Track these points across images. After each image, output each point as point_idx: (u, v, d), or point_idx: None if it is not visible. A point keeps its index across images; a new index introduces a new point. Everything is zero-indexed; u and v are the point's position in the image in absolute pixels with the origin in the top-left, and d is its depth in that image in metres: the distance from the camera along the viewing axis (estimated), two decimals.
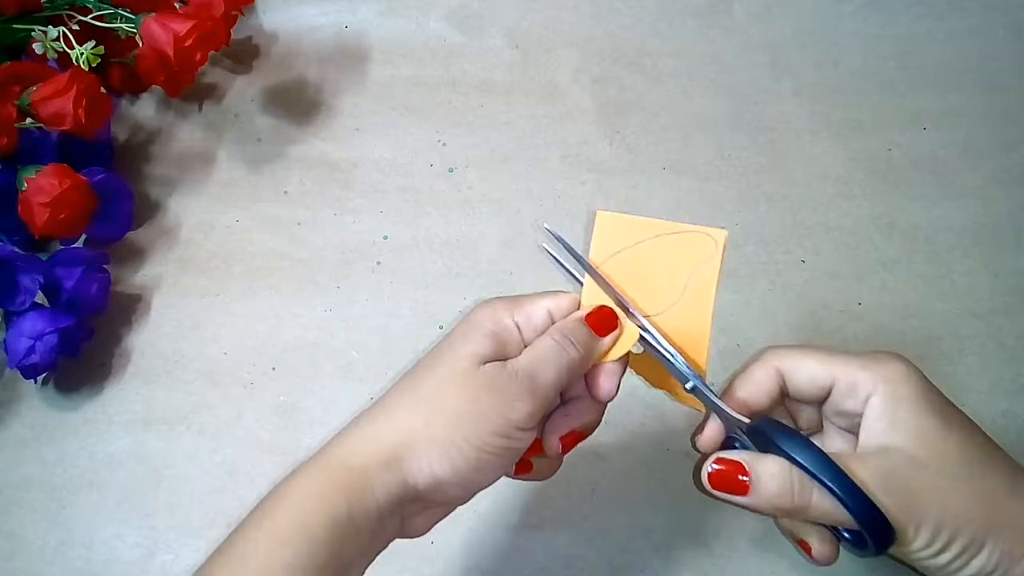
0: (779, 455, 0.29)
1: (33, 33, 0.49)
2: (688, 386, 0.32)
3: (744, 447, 0.32)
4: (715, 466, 0.30)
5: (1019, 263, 0.53)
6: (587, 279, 0.33)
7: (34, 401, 0.48)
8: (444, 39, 0.61)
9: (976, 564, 0.29)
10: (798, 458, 0.29)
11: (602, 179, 0.56)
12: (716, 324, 0.34)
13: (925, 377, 0.31)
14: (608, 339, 0.32)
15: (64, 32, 0.49)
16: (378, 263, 0.52)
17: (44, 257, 0.47)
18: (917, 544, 0.29)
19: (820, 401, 0.33)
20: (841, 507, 0.28)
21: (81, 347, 0.48)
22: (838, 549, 0.32)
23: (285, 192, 0.55)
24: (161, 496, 0.45)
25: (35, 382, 0.48)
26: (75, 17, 0.50)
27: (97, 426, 0.47)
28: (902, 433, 0.30)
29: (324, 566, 0.27)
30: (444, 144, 0.57)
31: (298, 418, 0.47)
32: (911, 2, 0.63)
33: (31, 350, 0.44)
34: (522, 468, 0.33)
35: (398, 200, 0.54)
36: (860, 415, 0.31)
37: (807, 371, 0.32)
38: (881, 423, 0.30)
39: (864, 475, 0.29)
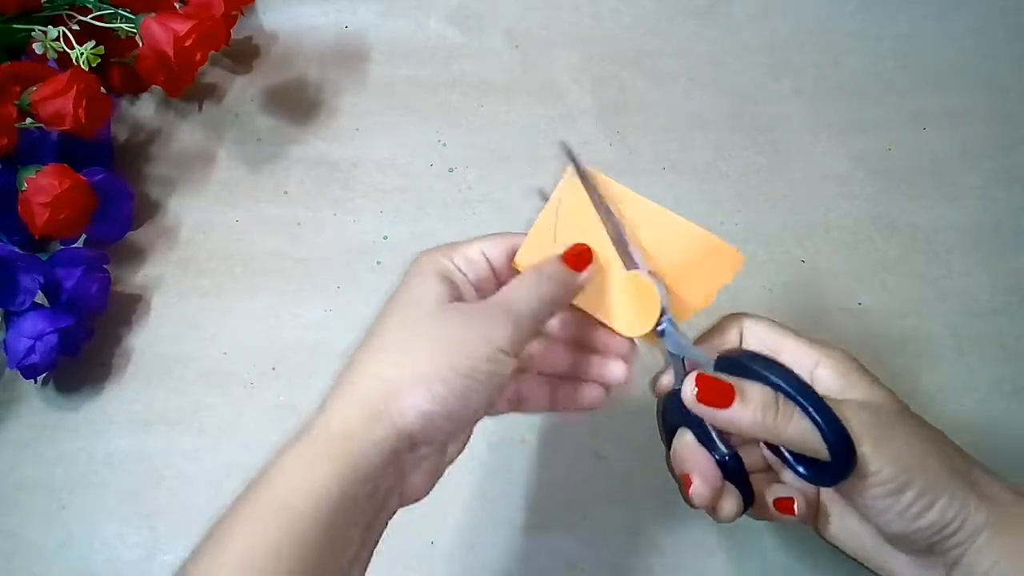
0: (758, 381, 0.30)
1: (33, 33, 0.49)
2: (658, 328, 0.33)
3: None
4: (699, 387, 0.30)
5: (1019, 263, 0.53)
6: (566, 177, 0.34)
7: (34, 401, 0.48)
8: (444, 39, 0.61)
9: (935, 510, 0.29)
10: (779, 381, 0.29)
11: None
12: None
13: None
14: (585, 273, 0.32)
15: (64, 32, 0.49)
16: (378, 263, 0.52)
17: (44, 257, 0.46)
18: (881, 477, 0.29)
19: None
20: (815, 431, 0.29)
21: (81, 347, 0.47)
22: (739, 507, 0.32)
23: (285, 192, 0.55)
24: (161, 496, 0.45)
25: (35, 382, 0.47)
26: (75, 17, 0.50)
27: (97, 426, 0.47)
28: (856, 392, 0.31)
29: (316, 545, 0.25)
30: (444, 144, 0.57)
31: (298, 418, 0.46)
32: (911, 2, 0.63)
33: (31, 350, 0.44)
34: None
35: (398, 200, 0.54)
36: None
37: (759, 334, 0.33)
38: (837, 384, 0.31)
39: (839, 409, 0.29)
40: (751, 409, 0.29)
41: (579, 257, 0.33)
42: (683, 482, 0.32)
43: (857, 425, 0.29)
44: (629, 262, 0.33)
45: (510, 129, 0.57)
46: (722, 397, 0.29)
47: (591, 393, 0.35)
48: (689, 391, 0.30)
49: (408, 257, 0.53)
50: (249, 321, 0.50)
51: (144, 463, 0.46)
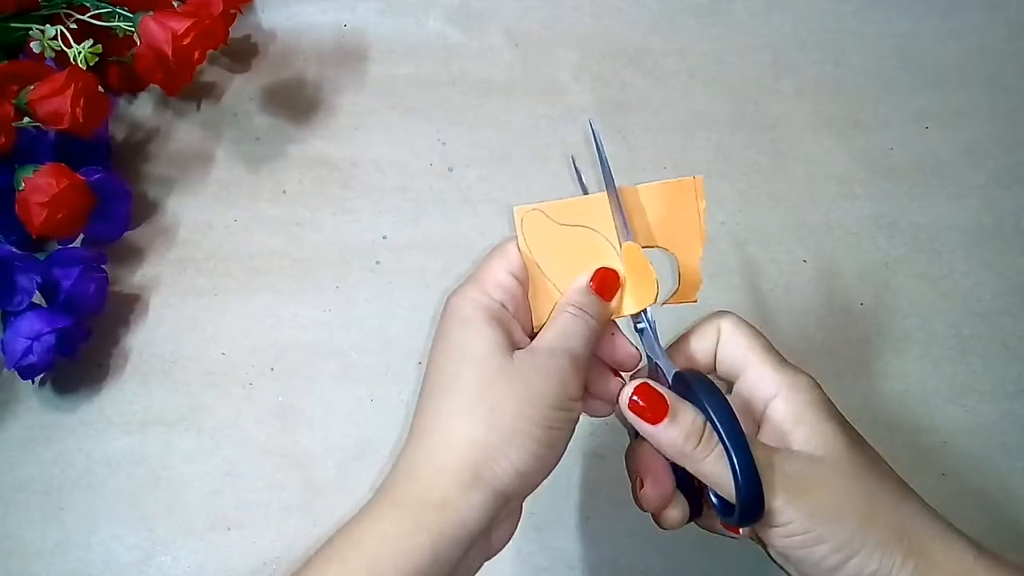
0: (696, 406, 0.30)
1: (31, 32, 0.48)
2: (639, 326, 0.33)
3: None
4: (636, 396, 0.30)
5: (1022, 263, 0.53)
6: (518, 222, 0.33)
7: (32, 402, 0.47)
8: (444, 38, 0.61)
9: (854, 564, 0.28)
10: (713, 413, 0.29)
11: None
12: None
13: (825, 393, 0.32)
14: (615, 301, 0.32)
15: (62, 31, 0.48)
16: (377, 263, 0.52)
17: (42, 257, 0.46)
18: (791, 528, 0.28)
19: (729, 382, 0.33)
20: (727, 475, 0.29)
21: (79, 347, 0.47)
22: (684, 516, 0.32)
23: (284, 191, 0.55)
24: (159, 497, 0.45)
25: (32, 383, 0.47)
26: (73, 16, 0.50)
27: (95, 427, 0.47)
28: (803, 433, 0.30)
29: None
30: (444, 143, 0.56)
31: (297, 419, 0.47)
32: (913, 1, 0.62)
33: (28, 350, 0.44)
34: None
35: (397, 199, 0.54)
36: (757, 411, 0.32)
37: (731, 346, 0.33)
38: (786, 422, 0.31)
39: (764, 458, 0.29)
40: (675, 432, 0.29)
41: (605, 284, 0.32)
42: (636, 482, 0.32)
43: (778, 476, 0.29)
44: (624, 235, 0.33)
45: (510, 128, 0.57)
46: (655, 412, 0.30)
47: (596, 408, 0.34)
48: (625, 396, 0.30)
49: (407, 257, 0.53)
50: (247, 321, 0.50)
51: (142, 464, 0.46)
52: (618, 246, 0.33)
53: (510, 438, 0.28)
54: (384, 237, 0.53)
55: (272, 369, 0.48)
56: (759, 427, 0.32)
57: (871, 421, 0.47)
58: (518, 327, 0.32)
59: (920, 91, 0.59)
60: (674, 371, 0.32)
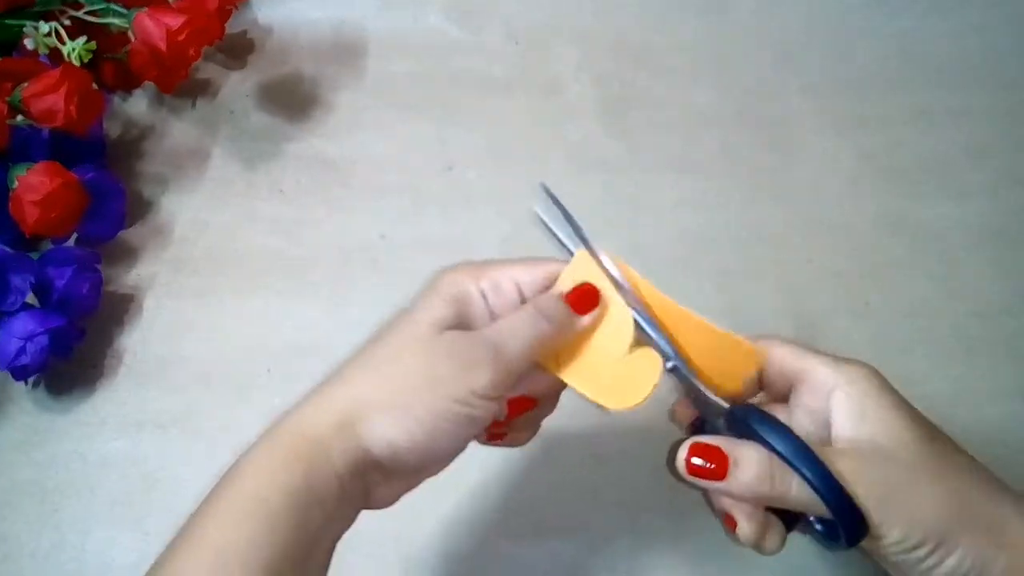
0: (757, 442, 0.29)
1: (25, 28, 0.48)
2: (669, 365, 0.31)
3: (715, 431, 0.31)
4: (696, 459, 0.29)
5: None
6: (577, 255, 0.32)
7: (25, 403, 0.47)
8: (443, 34, 0.60)
9: (950, 563, 0.28)
10: (776, 445, 0.28)
11: (605, 177, 0.55)
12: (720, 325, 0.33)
13: (885, 378, 0.31)
14: (587, 318, 0.30)
15: (56, 27, 0.48)
16: (375, 262, 0.52)
17: (35, 256, 0.46)
18: (891, 539, 0.28)
19: (786, 393, 0.33)
20: (817, 497, 0.28)
21: (72, 348, 0.47)
22: (783, 538, 0.31)
23: (280, 190, 0.54)
24: (155, 500, 0.44)
25: (26, 384, 0.47)
26: (67, 12, 0.49)
27: (89, 428, 0.46)
28: (870, 425, 0.29)
29: (286, 540, 0.26)
30: (443, 141, 0.56)
31: None
32: None
33: (22, 351, 0.44)
34: (493, 435, 0.32)
35: (396, 198, 0.54)
36: (824, 412, 0.31)
37: (779, 361, 0.32)
38: (849, 418, 0.30)
39: (840, 466, 0.28)
40: (747, 479, 0.28)
41: (584, 297, 0.31)
42: (726, 521, 0.31)
43: (864, 488, 0.28)
44: (647, 341, 0.31)
45: (510, 126, 0.57)
46: (717, 468, 0.29)
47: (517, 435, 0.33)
48: (681, 460, 0.29)
49: (406, 256, 0.53)
50: (243, 321, 0.49)
51: (137, 466, 0.45)
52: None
53: (393, 408, 0.28)
54: (382, 236, 0.53)
55: (268, 370, 0.48)
56: (828, 425, 0.31)
57: None
58: (485, 321, 0.30)
59: (925, 89, 0.59)
60: (726, 408, 0.31)
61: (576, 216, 0.32)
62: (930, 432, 0.30)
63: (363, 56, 0.59)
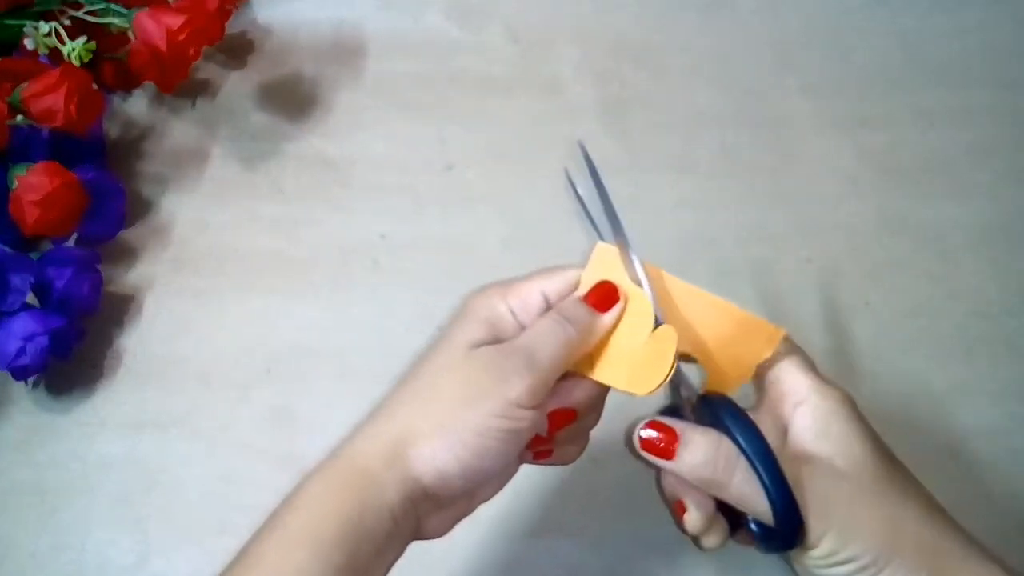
0: (720, 431, 0.30)
1: (24, 28, 0.48)
2: None
3: (683, 419, 0.31)
4: (648, 431, 0.30)
5: None
6: (595, 250, 0.32)
7: (25, 403, 0.47)
8: (442, 34, 0.60)
9: None
10: (739, 437, 0.29)
11: (604, 177, 0.55)
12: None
13: (857, 406, 0.31)
14: (610, 315, 0.31)
15: (56, 27, 0.48)
16: (375, 262, 0.52)
17: (35, 256, 0.46)
18: (820, 551, 0.28)
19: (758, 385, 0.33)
20: (761, 495, 0.28)
21: (72, 348, 0.47)
22: (724, 536, 0.32)
23: (280, 190, 0.54)
24: (154, 500, 0.44)
25: (26, 384, 0.47)
26: (67, 12, 0.49)
27: (89, 429, 0.46)
28: (831, 444, 0.30)
29: (338, 569, 0.26)
30: (443, 141, 0.56)
31: (293, 421, 0.47)
32: None
33: (21, 351, 0.44)
34: (540, 453, 0.32)
35: (396, 198, 0.54)
36: (786, 420, 0.31)
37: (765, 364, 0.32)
38: (812, 432, 0.30)
39: (792, 471, 0.29)
40: (694, 460, 0.29)
41: (604, 297, 0.31)
42: (675, 509, 0.31)
43: (809, 496, 0.28)
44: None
45: (510, 126, 0.57)
46: (667, 446, 0.29)
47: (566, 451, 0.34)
48: (636, 436, 0.30)
49: (406, 256, 0.53)
50: (243, 322, 0.49)
51: (136, 466, 0.45)
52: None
53: (438, 432, 0.28)
54: (382, 236, 0.52)
55: (268, 371, 0.48)
56: (785, 432, 0.31)
57: (876, 422, 0.47)
58: (516, 334, 0.31)
59: (926, 88, 0.59)
60: (699, 394, 0.31)
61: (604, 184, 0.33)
62: (889, 460, 0.30)
63: (363, 56, 0.59)
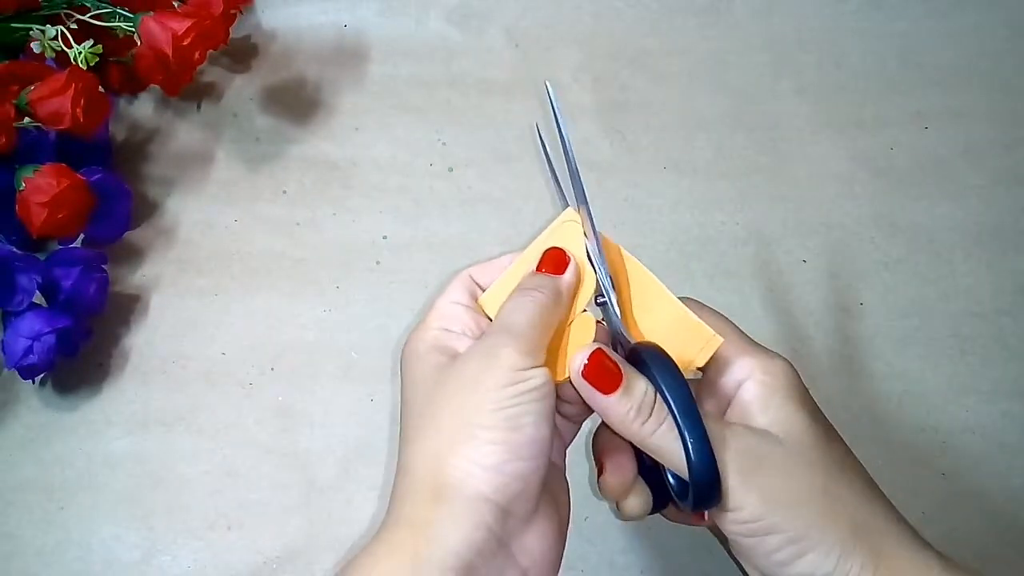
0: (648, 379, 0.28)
1: (31, 32, 0.48)
2: (599, 300, 0.31)
3: None
4: (589, 363, 0.28)
5: (1021, 263, 0.53)
6: (554, 224, 0.32)
7: (32, 402, 0.47)
8: (444, 38, 0.61)
9: (802, 565, 0.26)
10: (665, 389, 0.27)
11: (602, 179, 0.55)
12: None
13: (801, 380, 0.30)
14: (568, 274, 0.30)
15: (62, 31, 0.48)
16: (377, 263, 0.52)
17: (42, 257, 0.46)
18: (742, 514, 0.27)
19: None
20: (680, 450, 0.27)
21: (79, 347, 0.47)
22: (645, 506, 0.30)
23: (284, 192, 0.55)
24: (160, 497, 0.45)
25: (33, 383, 0.47)
26: (73, 16, 0.49)
27: (95, 427, 0.47)
28: (769, 416, 0.29)
29: None
30: (444, 143, 0.56)
31: (297, 419, 0.47)
32: (913, 1, 0.62)
33: (29, 350, 0.44)
34: (572, 417, 0.31)
35: (398, 199, 0.54)
36: (728, 396, 0.30)
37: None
38: (753, 406, 0.29)
39: (717, 430, 0.27)
40: (627, 405, 0.27)
41: (554, 261, 0.31)
42: (598, 467, 0.30)
43: (730, 452, 0.27)
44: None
45: (510, 128, 0.57)
46: (608, 382, 0.27)
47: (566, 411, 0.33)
48: (578, 363, 0.28)
49: (407, 257, 0.53)
50: (248, 321, 0.50)
51: (142, 464, 0.46)
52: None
53: (457, 435, 0.26)
54: (384, 237, 0.53)
55: (272, 369, 0.48)
56: (726, 411, 0.30)
57: (870, 421, 0.47)
58: (467, 340, 0.30)
59: (920, 91, 0.59)
60: (632, 344, 0.30)
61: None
62: (827, 434, 0.29)
63: (365, 60, 0.60)
